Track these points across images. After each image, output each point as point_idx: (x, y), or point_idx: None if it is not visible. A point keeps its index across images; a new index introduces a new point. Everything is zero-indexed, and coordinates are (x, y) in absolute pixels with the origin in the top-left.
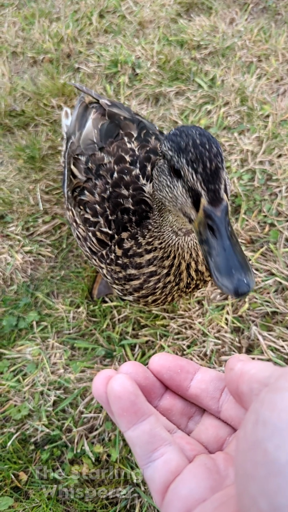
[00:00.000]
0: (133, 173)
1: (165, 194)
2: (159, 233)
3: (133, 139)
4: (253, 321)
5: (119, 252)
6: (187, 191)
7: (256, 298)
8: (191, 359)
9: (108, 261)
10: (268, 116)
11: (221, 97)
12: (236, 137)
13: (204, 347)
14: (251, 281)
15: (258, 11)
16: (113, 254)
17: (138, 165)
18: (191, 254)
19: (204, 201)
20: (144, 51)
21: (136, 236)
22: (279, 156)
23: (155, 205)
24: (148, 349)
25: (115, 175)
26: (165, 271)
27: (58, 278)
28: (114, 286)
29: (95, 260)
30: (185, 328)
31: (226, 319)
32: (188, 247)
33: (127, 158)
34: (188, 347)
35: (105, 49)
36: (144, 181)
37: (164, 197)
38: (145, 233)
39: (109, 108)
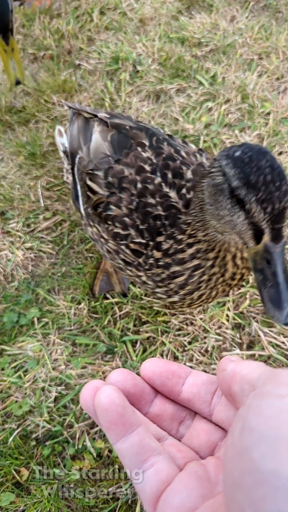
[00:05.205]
0: (156, 181)
1: (222, 214)
2: (202, 227)
3: (146, 148)
4: (254, 318)
5: (158, 254)
6: (249, 224)
7: (257, 295)
8: (192, 355)
9: (147, 267)
10: (269, 113)
11: (222, 95)
12: (237, 134)
13: (205, 343)
14: None
15: (258, 9)
16: (152, 259)
17: (158, 173)
18: (237, 247)
19: (266, 238)
20: (145, 48)
21: (174, 235)
22: (280, 153)
23: (195, 209)
24: (150, 345)
25: (139, 185)
26: (209, 263)
27: (59, 275)
28: (157, 289)
29: (130, 270)
30: (186, 324)
31: (227, 315)
32: (235, 241)
33: (147, 167)
34: (189, 343)
35: (106, 46)
36: (167, 189)
37: (219, 216)
38: (185, 228)
39: (110, 120)
